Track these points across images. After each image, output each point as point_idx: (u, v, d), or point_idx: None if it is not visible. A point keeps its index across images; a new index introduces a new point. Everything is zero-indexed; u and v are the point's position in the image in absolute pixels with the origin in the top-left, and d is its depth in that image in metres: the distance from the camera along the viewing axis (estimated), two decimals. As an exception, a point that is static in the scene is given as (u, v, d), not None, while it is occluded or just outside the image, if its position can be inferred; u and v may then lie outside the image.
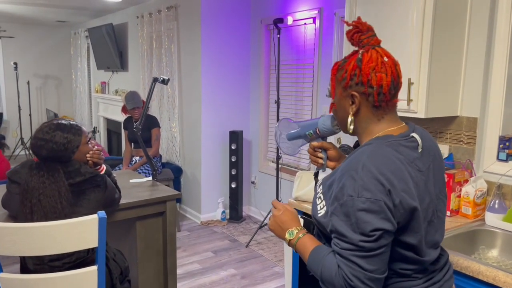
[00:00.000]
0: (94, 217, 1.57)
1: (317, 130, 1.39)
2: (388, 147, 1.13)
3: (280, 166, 4.31)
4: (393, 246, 1.11)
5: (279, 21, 3.95)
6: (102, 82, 7.00)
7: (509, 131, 2.07)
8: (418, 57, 2.03)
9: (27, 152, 7.51)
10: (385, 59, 1.15)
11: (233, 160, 4.68)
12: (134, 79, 6.02)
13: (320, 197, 1.21)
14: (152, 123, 4.28)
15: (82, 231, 1.55)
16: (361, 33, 1.17)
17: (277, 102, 4.10)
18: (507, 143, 2.03)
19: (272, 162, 4.71)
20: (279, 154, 4.21)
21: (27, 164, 1.88)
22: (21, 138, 7.63)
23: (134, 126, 2.69)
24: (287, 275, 2.73)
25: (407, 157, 1.13)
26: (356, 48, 1.20)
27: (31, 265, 1.81)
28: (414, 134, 1.18)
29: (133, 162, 4.37)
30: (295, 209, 2.32)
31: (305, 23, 4.04)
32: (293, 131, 1.46)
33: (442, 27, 2.03)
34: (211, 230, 4.51)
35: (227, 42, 4.59)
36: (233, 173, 4.70)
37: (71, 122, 1.93)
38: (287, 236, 1.28)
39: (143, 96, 4.82)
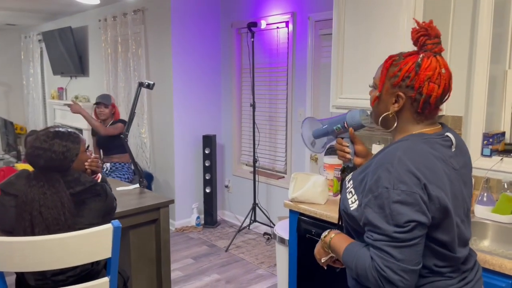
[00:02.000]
0: (108, 227, 1.51)
1: (345, 124, 1.40)
2: (424, 144, 1.15)
3: (256, 169, 4.34)
4: (427, 241, 1.14)
5: (253, 25, 3.98)
6: (59, 88, 6.69)
7: (492, 128, 2.22)
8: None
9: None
10: (443, 70, 1.15)
11: (207, 164, 4.64)
12: (96, 84, 5.81)
13: (351, 192, 1.22)
14: (122, 127, 4.16)
15: (96, 242, 1.49)
16: (427, 37, 1.16)
17: (253, 105, 4.12)
18: (490, 140, 2.18)
19: (246, 165, 4.72)
20: (255, 157, 4.23)
21: (23, 175, 1.77)
22: (-31, 149, 7.11)
23: (122, 133, 2.61)
24: (280, 275, 2.75)
25: (442, 155, 1.16)
26: (415, 48, 1.19)
27: (32, 280, 1.71)
28: (448, 134, 1.22)
29: (104, 169, 4.21)
30: (290, 210, 2.36)
31: (277, 27, 4.09)
32: (321, 127, 1.47)
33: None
34: (187, 236, 4.44)
35: (197, 46, 4.55)
36: (207, 177, 4.66)
37: (69, 130, 1.84)
38: (322, 235, 1.30)
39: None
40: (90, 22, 5.79)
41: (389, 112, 1.21)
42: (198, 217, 4.66)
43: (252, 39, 4.05)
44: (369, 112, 1.38)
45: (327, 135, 1.47)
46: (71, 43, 5.82)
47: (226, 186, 4.89)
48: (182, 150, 4.58)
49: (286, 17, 3.96)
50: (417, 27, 1.18)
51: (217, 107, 4.81)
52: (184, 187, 4.65)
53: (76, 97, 6.12)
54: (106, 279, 1.56)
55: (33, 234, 1.68)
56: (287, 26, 3.99)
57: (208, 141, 4.61)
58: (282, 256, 2.68)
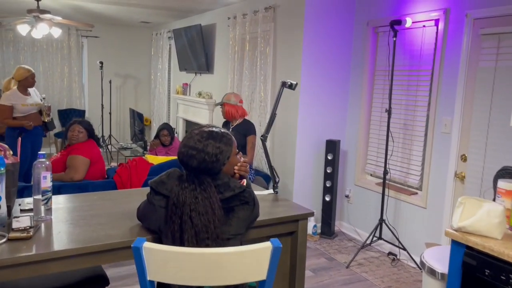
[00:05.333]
0: (267, 246, 1.32)
1: None
2: None
3: (380, 181, 3.95)
4: None
5: (396, 23, 3.60)
6: (184, 84, 6.95)
7: None
8: None
9: (109, 150, 7.62)
10: None
11: (328, 171, 4.37)
12: (220, 82, 5.88)
13: None
14: (248, 129, 4.07)
15: (252, 261, 1.31)
16: None
17: (389, 111, 3.74)
18: None
19: (371, 175, 4.34)
20: (387, 168, 3.84)
21: (175, 175, 1.67)
22: (102, 136, 7.76)
23: (262, 135, 2.46)
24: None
25: None
26: None
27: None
28: None
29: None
30: (453, 241, 1.98)
31: (424, 26, 3.65)
32: None
33: None
34: (303, 245, 4.22)
35: (328, 46, 4.29)
36: (327, 185, 4.39)
37: (222, 130, 1.71)
38: None
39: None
40: (218, 20, 5.87)
41: None
42: (315, 226, 4.41)
43: (394, 39, 3.67)
44: None
45: None
46: (199, 40, 5.97)
47: (347, 196, 4.56)
48: (304, 153, 4.37)
49: (435, 15, 3.51)
50: None
51: (343, 111, 4.50)
52: (303, 192, 4.43)
53: (200, 94, 6.27)
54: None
55: (181, 239, 1.57)
56: (436, 24, 3.54)
57: (332, 146, 4.33)
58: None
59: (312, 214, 2.20)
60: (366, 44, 4.23)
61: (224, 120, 4.24)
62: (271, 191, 2.46)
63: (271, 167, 2.47)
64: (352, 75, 4.43)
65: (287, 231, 2.20)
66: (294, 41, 4.30)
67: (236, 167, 1.75)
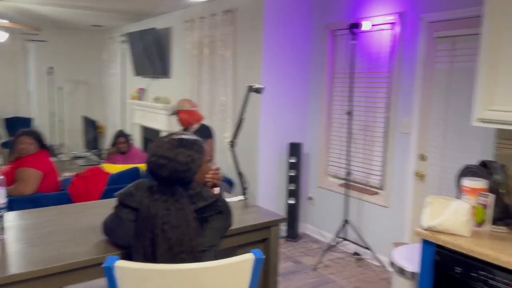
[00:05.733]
0: (249, 258, 1.26)
1: None
2: None
3: (343, 182, 4.00)
4: None
5: (355, 26, 3.66)
6: (140, 89, 6.75)
7: None
8: None
9: (61, 159, 7.25)
10: None
11: (291, 174, 4.37)
12: (178, 86, 5.75)
13: None
14: (207, 134, 3.98)
15: (233, 274, 1.25)
16: None
17: (350, 113, 3.79)
18: None
19: (333, 177, 4.39)
20: (349, 170, 3.89)
21: (144, 186, 1.58)
22: (52, 145, 7.37)
23: (230, 141, 2.39)
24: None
25: None
26: None
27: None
28: None
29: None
30: (424, 240, 2.01)
31: (381, 29, 3.74)
32: None
33: None
34: (269, 249, 4.18)
35: (288, 49, 4.30)
36: (291, 188, 4.39)
37: (193, 138, 1.63)
38: None
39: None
40: (174, 23, 5.75)
41: None
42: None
43: (353, 42, 3.73)
44: None
45: None
46: (154, 44, 5.82)
47: (310, 198, 4.58)
48: (267, 157, 4.35)
49: (392, 18, 3.60)
50: None
51: (304, 114, 4.53)
52: (267, 196, 4.40)
53: (157, 99, 6.11)
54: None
55: (154, 254, 1.47)
56: (393, 27, 3.63)
57: (295, 149, 4.34)
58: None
59: (284, 219, 2.16)
60: (325, 47, 4.28)
61: (181, 128, 4.12)
62: (241, 197, 2.41)
63: (240, 173, 2.42)
64: (312, 78, 4.47)
65: (259, 239, 2.15)
66: (254, 45, 4.27)
67: (208, 176, 1.68)
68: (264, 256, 1.28)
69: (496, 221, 2.08)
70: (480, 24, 2.13)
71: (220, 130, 4.80)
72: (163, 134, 5.90)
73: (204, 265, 1.24)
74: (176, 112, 3.94)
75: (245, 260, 1.26)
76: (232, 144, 2.39)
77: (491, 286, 1.78)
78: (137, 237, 1.51)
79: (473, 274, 1.84)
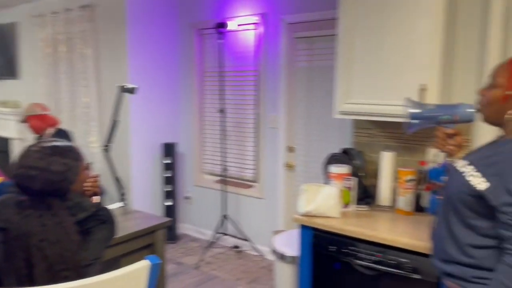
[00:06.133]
0: (144, 265, 1.21)
1: (455, 117, 1.48)
2: None
3: (220, 178, 4.09)
4: None
5: (221, 26, 3.75)
6: (-19, 92, 5.85)
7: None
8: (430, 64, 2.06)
9: None
10: None
11: (167, 175, 4.29)
12: (30, 88, 5.15)
13: (472, 175, 1.34)
14: (64, 138, 3.63)
15: (129, 285, 1.18)
16: None
17: (222, 111, 3.87)
18: None
19: (209, 174, 4.44)
20: (225, 166, 3.98)
21: (11, 202, 1.38)
22: None
23: (104, 145, 2.23)
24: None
25: None
26: None
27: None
28: None
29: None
30: (301, 225, 2.18)
31: (246, 29, 3.90)
32: (425, 111, 1.54)
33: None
34: (148, 254, 4.05)
35: (155, 48, 4.20)
36: (167, 189, 4.31)
37: (67, 144, 1.49)
38: None
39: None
40: (20, 18, 5.13)
41: None
42: (158, 233, 4.28)
43: (220, 41, 3.81)
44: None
45: (427, 120, 1.54)
46: (-3, 42, 5.12)
47: (187, 198, 4.56)
48: (140, 159, 4.19)
49: (255, 19, 3.78)
50: None
51: (176, 113, 4.48)
52: (142, 199, 4.24)
53: (4, 103, 5.39)
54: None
55: (30, 276, 1.31)
56: (256, 28, 3.81)
57: (169, 149, 4.27)
58: (284, 274, 2.48)
59: (169, 222, 2.12)
60: (192, 46, 4.28)
61: (35, 136, 3.66)
62: (119, 204, 2.28)
63: (117, 179, 2.28)
64: (182, 77, 4.44)
65: (144, 245, 2.08)
66: (117, 43, 4.06)
67: (87, 184, 1.56)
68: (161, 261, 1.24)
69: (358, 201, 2.36)
70: (336, 26, 2.38)
71: (84, 134, 4.46)
72: (15, 143, 5.25)
73: (96, 280, 1.15)
74: (25, 119, 3.49)
75: (140, 268, 1.21)
76: (107, 148, 2.25)
77: (360, 258, 2.01)
78: (7, 260, 1.33)
79: (345, 250, 2.06)
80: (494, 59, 2.16)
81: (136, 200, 4.18)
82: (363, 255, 2.00)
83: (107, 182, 4.18)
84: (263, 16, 3.72)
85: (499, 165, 1.30)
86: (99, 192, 1.61)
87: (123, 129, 4.14)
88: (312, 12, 3.37)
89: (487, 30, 2.14)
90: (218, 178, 4.24)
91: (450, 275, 1.42)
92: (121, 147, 4.18)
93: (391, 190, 2.37)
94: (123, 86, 2.37)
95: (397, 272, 1.90)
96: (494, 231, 1.30)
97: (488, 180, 1.30)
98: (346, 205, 2.29)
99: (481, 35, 2.19)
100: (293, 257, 2.44)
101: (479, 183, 1.31)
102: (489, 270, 1.31)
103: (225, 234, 4.07)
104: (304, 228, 2.19)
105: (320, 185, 2.24)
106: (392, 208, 2.34)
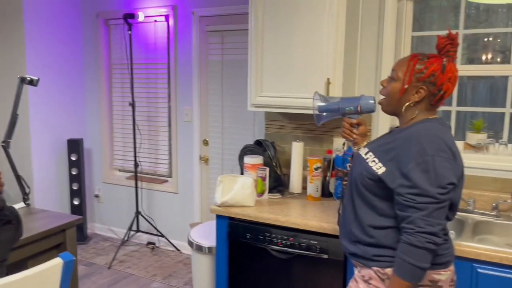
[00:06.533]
0: (57, 263, 1.15)
1: (358, 108, 1.60)
2: (443, 126, 1.45)
3: (131, 174, 3.98)
4: None
5: (130, 17, 3.63)
6: None
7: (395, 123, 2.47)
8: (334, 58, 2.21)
9: None
10: (457, 74, 1.44)
11: (73, 173, 4.06)
12: None
13: (374, 161, 1.46)
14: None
15: (41, 284, 1.12)
16: (451, 46, 1.42)
17: (132, 104, 3.76)
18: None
19: (119, 170, 4.29)
20: (137, 161, 3.87)
21: None
22: None
23: (3, 141, 2.04)
24: (200, 287, 2.57)
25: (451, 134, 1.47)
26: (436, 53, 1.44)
27: None
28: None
29: None
30: (218, 215, 2.22)
31: (155, 20, 3.81)
32: (331, 104, 1.65)
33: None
34: (55, 258, 3.81)
35: (56, 39, 3.92)
36: (74, 188, 4.08)
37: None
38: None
39: None
40: None
41: (410, 102, 1.45)
42: (65, 234, 4.04)
43: (129, 32, 3.69)
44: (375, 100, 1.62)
45: (334, 112, 1.65)
46: None
47: (96, 196, 4.36)
48: (42, 156, 3.90)
49: (165, 11, 3.72)
50: (445, 37, 1.44)
51: (81, 108, 4.24)
52: (47, 199, 3.96)
53: None
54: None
55: None
56: (166, 20, 3.75)
57: (74, 145, 4.04)
58: (201, 266, 2.50)
59: (80, 220, 2.03)
60: (98, 37, 4.08)
61: None
62: (21, 204, 2.13)
63: (19, 177, 2.12)
64: (87, 69, 4.21)
65: (53, 245, 1.96)
66: (13, 34, 3.71)
67: (-14, 182, 1.43)
68: (74, 258, 1.20)
69: (271, 189, 2.47)
70: (247, 21, 2.45)
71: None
72: None
73: (5, 281, 1.08)
74: None
75: (53, 266, 1.15)
76: (7, 145, 2.07)
77: (274, 243, 2.11)
78: None
79: (260, 237, 2.14)
80: (388, 55, 2.40)
81: (41, 200, 3.89)
82: (278, 240, 2.11)
83: (7, 181, 3.85)
84: (173, 8, 3.66)
85: (394, 151, 1.42)
86: (1, 190, 1.49)
87: (20, 124, 3.82)
88: (224, 6, 3.40)
89: (384, 28, 2.36)
90: (130, 174, 4.12)
91: (354, 255, 1.54)
92: (20, 144, 3.85)
93: (301, 178, 2.51)
94: (24, 77, 2.20)
95: (307, 253, 2.03)
96: (392, 211, 1.43)
97: (385, 165, 1.42)
98: (260, 194, 2.38)
99: (379, 33, 2.41)
100: (210, 248, 2.47)
101: (378, 168, 1.43)
102: (387, 248, 1.44)
103: (139, 231, 3.97)
104: (221, 218, 2.24)
105: (235, 175, 2.30)
106: (303, 195, 2.48)
